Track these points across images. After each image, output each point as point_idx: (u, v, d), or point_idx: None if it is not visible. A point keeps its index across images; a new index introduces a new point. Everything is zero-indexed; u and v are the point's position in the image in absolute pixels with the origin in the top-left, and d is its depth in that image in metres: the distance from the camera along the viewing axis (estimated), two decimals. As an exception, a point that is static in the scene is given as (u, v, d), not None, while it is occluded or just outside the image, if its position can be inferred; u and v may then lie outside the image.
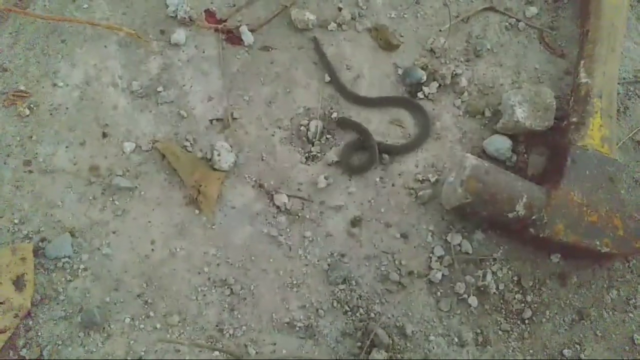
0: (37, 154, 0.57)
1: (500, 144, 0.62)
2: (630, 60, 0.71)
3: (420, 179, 0.61)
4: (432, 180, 0.61)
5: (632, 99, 0.69)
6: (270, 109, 0.62)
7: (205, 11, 0.62)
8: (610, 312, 0.60)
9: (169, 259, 0.55)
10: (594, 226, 0.57)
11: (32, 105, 0.58)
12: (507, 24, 0.70)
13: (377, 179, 0.61)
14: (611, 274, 0.61)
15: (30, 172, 0.56)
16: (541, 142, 0.64)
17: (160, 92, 0.60)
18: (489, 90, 0.66)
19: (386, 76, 0.65)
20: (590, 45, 0.65)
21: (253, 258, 0.56)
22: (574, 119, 0.62)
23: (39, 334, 0.52)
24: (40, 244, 0.54)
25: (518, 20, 0.70)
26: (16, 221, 0.55)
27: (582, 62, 0.65)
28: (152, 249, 0.55)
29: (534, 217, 0.57)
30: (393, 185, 0.61)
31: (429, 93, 0.64)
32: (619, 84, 0.69)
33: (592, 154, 0.59)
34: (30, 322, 0.52)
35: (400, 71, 0.65)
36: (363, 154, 0.61)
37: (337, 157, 0.60)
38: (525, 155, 0.63)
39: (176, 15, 0.61)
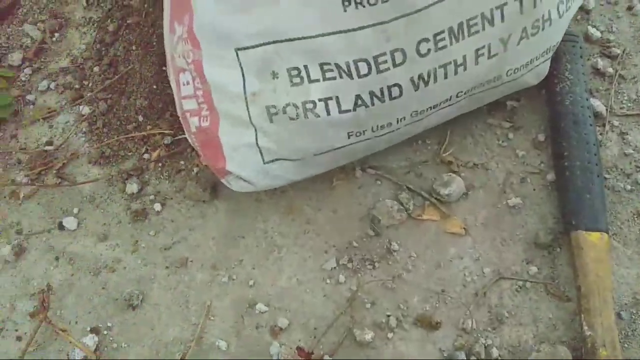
0: None
1: (536, 401, 0.80)
2: (627, 285, 0.88)
3: None
4: None
5: (636, 322, 0.85)
6: (359, 413, 0.84)
7: (297, 349, 0.87)
8: None
9: None
10: None
11: None
12: (516, 286, 0.89)
13: None
14: None
15: None
16: (570, 386, 0.81)
17: None
18: (517, 350, 0.85)
19: (437, 363, 0.86)
20: (585, 299, 0.83)
21: None
22: (588, 370, 0.79)
23: None
24: None
25: (525, 281, 0.89)
26: None
27: (582, 315, 0.82)
28: None
29: None
30: None
31: (470, 369, 0.84)
32: (622, 310, 0.85)
33: (609, 400, 0.76)
34: None
35: (445, 354, 0.86)
36: None
37: None
38: (561, 400, 0.80)
39: (278, 360, 0.87)
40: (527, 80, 0.93)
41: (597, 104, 0.99)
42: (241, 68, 0.80)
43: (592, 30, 1.09)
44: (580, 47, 1.00)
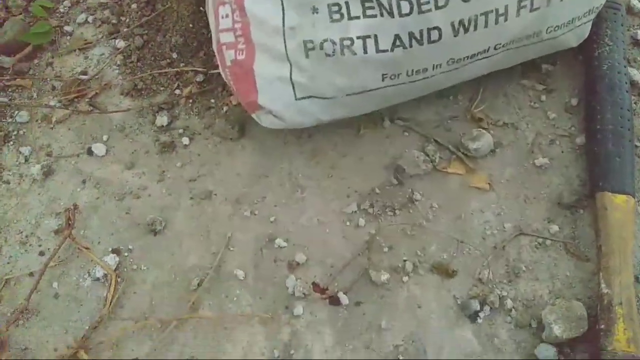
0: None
1: (547, 352, 0.80)
2: (648, 251, 0.88)
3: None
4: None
5: (657, 286, 0.85)
6: None
7: (312, 284, 0.88)
8: None
9: None
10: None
11: (213, 380, 0.86)
12: (536, 243, 0.89)
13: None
14: None
15: None
16: (581, 342, 0.81)
17: (292, 354, 0.85)
18: (531, 303, 0.85)
19: (450, 307, 0.86)
20: (605, 258, 0.83)
21: None
22: (602, 326, 0.79)
23: None
24: None
25: (545, 239, 0.89)
26: None
27: (601, 274, 0.82)
28: None
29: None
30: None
31: (484, 316, 0.84)
32: (643, 275, 0.85)
33: (621, 355, 0.76)
34: None
35: (459, 301, 0.86)
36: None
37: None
38: (571, 353, 0.80)
39: (294, 293, 0.87)
40: (567, 41, 0.93)
41: (634, 73, 0.99)
42: (282, 2, 0.80)
43: (634, 1, 1.08)
44: (622, 15, 0.99)
